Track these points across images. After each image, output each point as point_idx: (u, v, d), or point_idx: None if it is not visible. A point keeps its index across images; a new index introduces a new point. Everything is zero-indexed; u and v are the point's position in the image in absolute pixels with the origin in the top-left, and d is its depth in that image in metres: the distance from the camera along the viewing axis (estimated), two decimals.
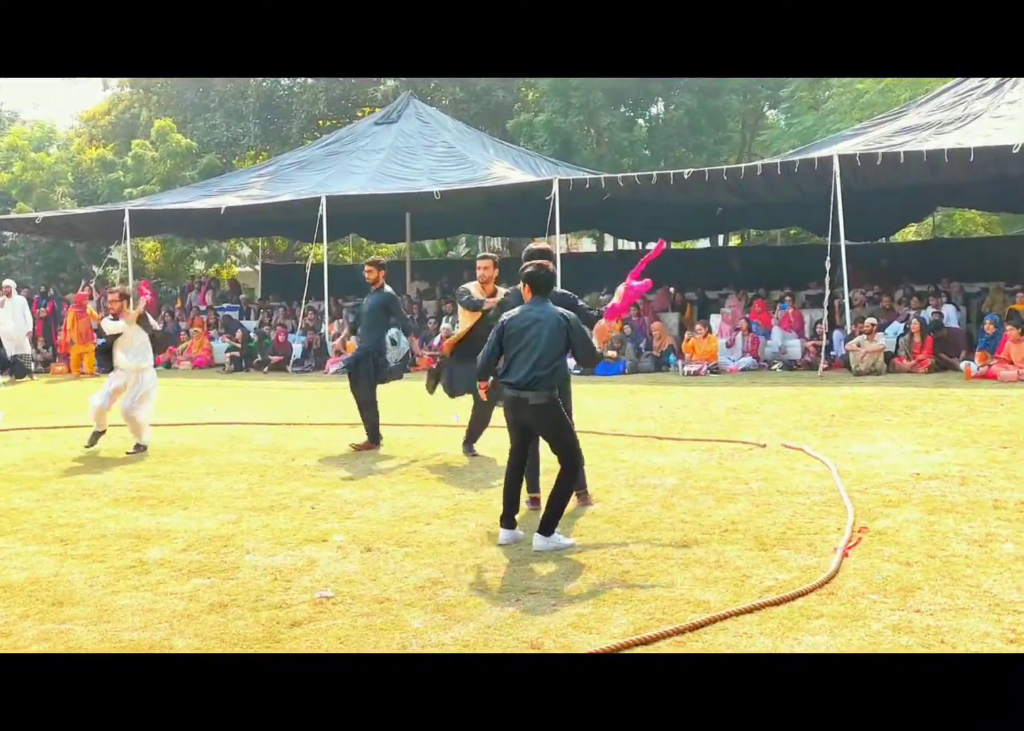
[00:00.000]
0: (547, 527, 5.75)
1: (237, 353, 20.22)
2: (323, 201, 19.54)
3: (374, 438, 9.44)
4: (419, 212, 23.21)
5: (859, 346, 15.47)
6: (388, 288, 9.78)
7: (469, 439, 8.93)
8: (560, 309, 5.86)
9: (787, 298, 18.95)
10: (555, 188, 18.02)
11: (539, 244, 6.93)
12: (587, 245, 45.11)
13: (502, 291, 7.76)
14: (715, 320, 19.08)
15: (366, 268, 9.73)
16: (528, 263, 5.97)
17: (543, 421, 5.81)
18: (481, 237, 38.38)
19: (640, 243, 32.44)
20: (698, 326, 17.30)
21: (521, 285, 5.97)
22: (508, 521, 5.93)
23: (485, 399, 6.84)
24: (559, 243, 20.15)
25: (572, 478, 5.85)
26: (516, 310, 5.93)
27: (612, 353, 17.15)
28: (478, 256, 8.71)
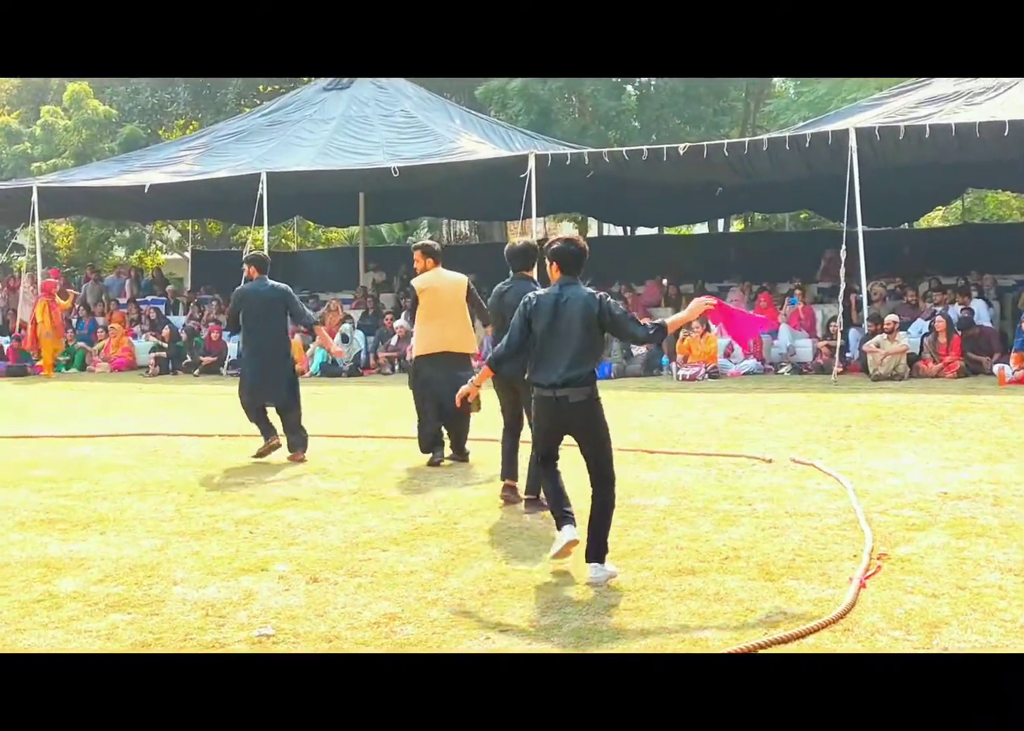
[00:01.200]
0: (600, 555, 5.68)
1: (163, 353, 20.13)
2: (263, 178, 19.50)
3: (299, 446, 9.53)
4: (374, 191, 23.24)
5: (878, 347, 15.60)
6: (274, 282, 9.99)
7: (458, 445, 9.12)
8: (590, 290, 5.80)
9: (797, 292, 19.11)
10: (531, 164, 18.06)
11: (523, 239, 7.09)
12: (568, 231, 45.25)
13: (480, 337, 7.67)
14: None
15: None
16: (555, 239, 5.94)
17: (588, 422, 5.73)
18: (446, 221, 38.45)
19: (628, 228, 32.64)
20: (694, 324, 17.32)
21: (548, 264, 5.92)
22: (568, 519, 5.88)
23: (460, 406, 6.82)
24: (535, 228, 20.17)
25: (612, 491, 5.78)
26: (543, 292, 5.87)
27: None
28: (413, 245, 8.73)
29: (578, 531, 5.92)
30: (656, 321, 5.97)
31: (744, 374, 16.87)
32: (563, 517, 5.92)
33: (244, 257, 10.38)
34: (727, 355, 17.39)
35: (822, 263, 22.08)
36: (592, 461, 5.76)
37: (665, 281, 22.38)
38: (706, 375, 16.43)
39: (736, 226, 38.86)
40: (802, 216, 34.84)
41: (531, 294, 5.92)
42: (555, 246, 5.89)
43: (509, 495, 7.54)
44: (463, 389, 6.28)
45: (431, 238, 28.09)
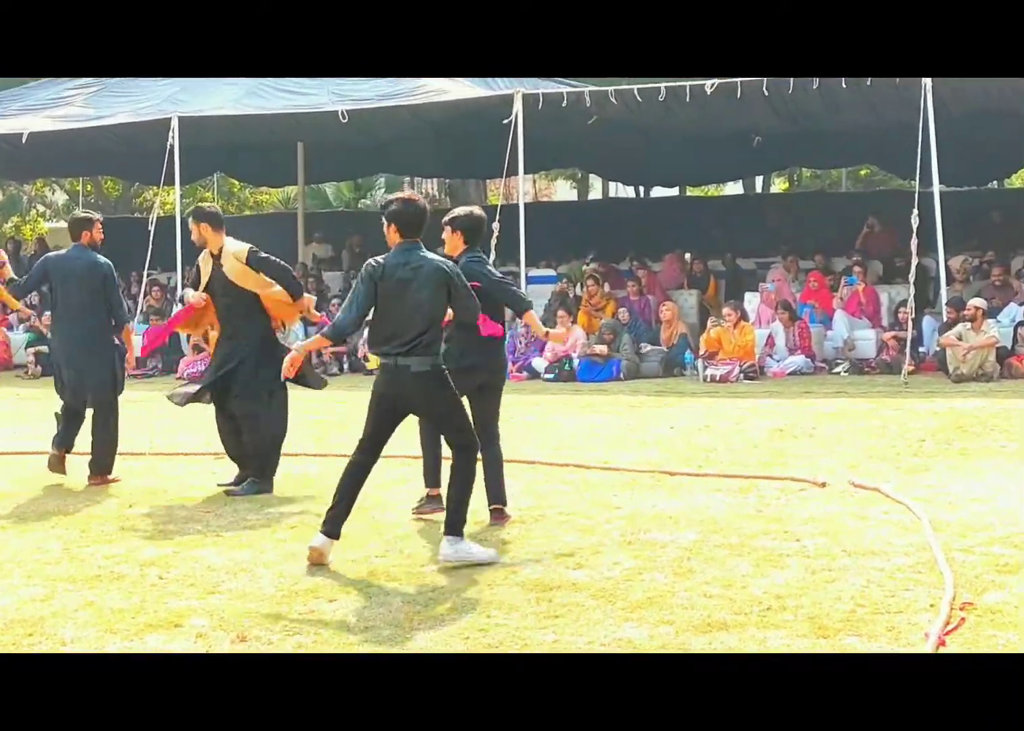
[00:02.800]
0: (454, 528, 6.91)
1: (45, 348, 20.05)
2: (174, 125, 19.47)
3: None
4: (318, 142, 23.22)
5: (960, 339, 15.67)
6: (100, 256, 10.12)
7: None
8: (438, 257, 7.06)
9: (856, 269, 19.19)
10: (517, 106, 18.07)
11: (469, 209, 7.90)
12: (565, 191, 45.37)
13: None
14: (751, 301, 19.27)
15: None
16: (392, 198, 7.12)
17: (431, 394, 6.94)
18: (408, 179, 38.46)
19: (641, 188, 32.76)
20: (726, 310, 17.48)
21: (385, 226, 7.00)
22: (332, 525, 7.09)
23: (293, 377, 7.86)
24: (522, 188, 20.21)
25: (471, 465, 7.02)
26: (385, 258, 6.96)
27: (601, 348, 17.28)
28: None
29: (328, 542, 7.05)
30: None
31: (789, 374, 16.97)
32: (327, 521, 7.12)
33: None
34: (769, 351, 17.48)
35: (863, 231, 22.23)
36: (446, 433, 7.08)
37: (688, 256, 22.49)
38: (741, 375, 16.51)
39: (779, 186, 39.01)
40: (862, 173, 35.02)
41: (377, 260, 6.96)
42: (393, 207, 6.98)
43: (496, 520, 8.04)
44: (290, 355, 7.27)
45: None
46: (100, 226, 10.26)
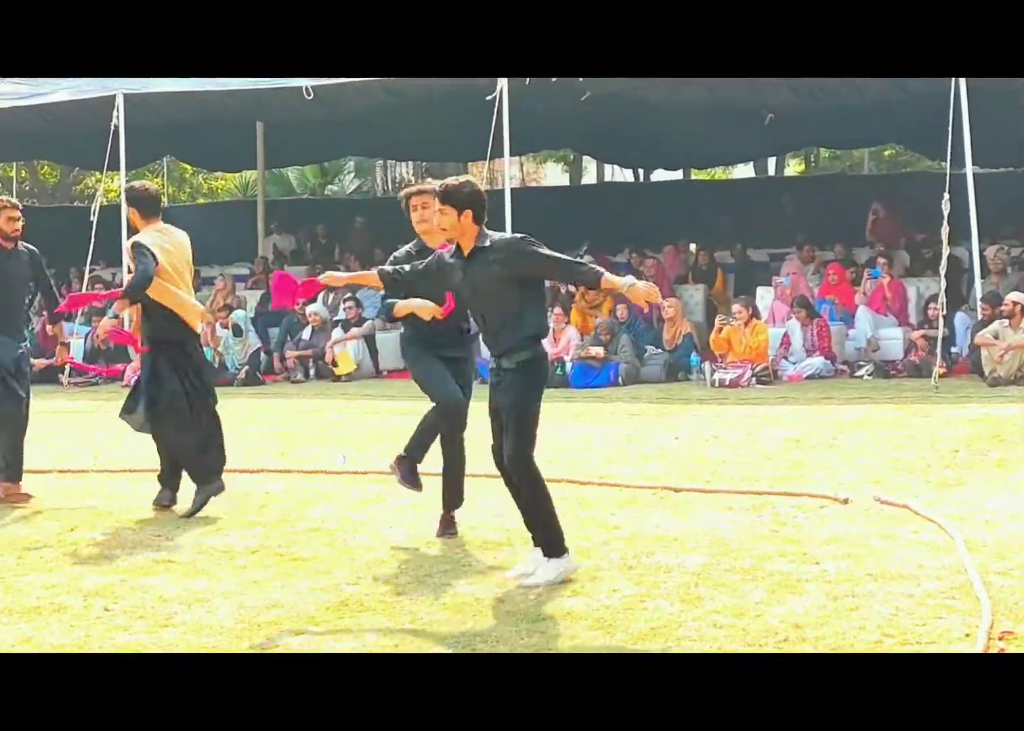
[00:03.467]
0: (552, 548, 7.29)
1: None
2: (119, 102, 19.45)
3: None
4: (279, 121, 23.19)
5: (996, 338, 15.70)
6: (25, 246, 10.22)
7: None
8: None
9: (880, 261, 19.23)
10: (502, 82, 18.06)
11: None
12: (555, 175, 45.36)
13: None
14: (764, 297, 19.31)
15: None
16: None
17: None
18: (381, 162, 38.55)
19: (641, 173, 32.80)
20: (736, 307, 17.54)
21: (455, 215, 7.13)
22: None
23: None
24: (508, 171, 20.21)
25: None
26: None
27: (597, 350, 17.32)
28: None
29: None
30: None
31: (807, 378, 17.03)
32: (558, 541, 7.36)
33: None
34: (783, 352, 17.50)
35: (869, 219, 22.32)
36: None
37: (693, 246, 22.53)
38: (753, 379, 16.58)
39: (794, 168, 39.07)
40: (887, 153, 35.03)
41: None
42: (467, 191, 7.15)
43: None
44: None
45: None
46: (14, 214, 10.10)
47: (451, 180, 7.34)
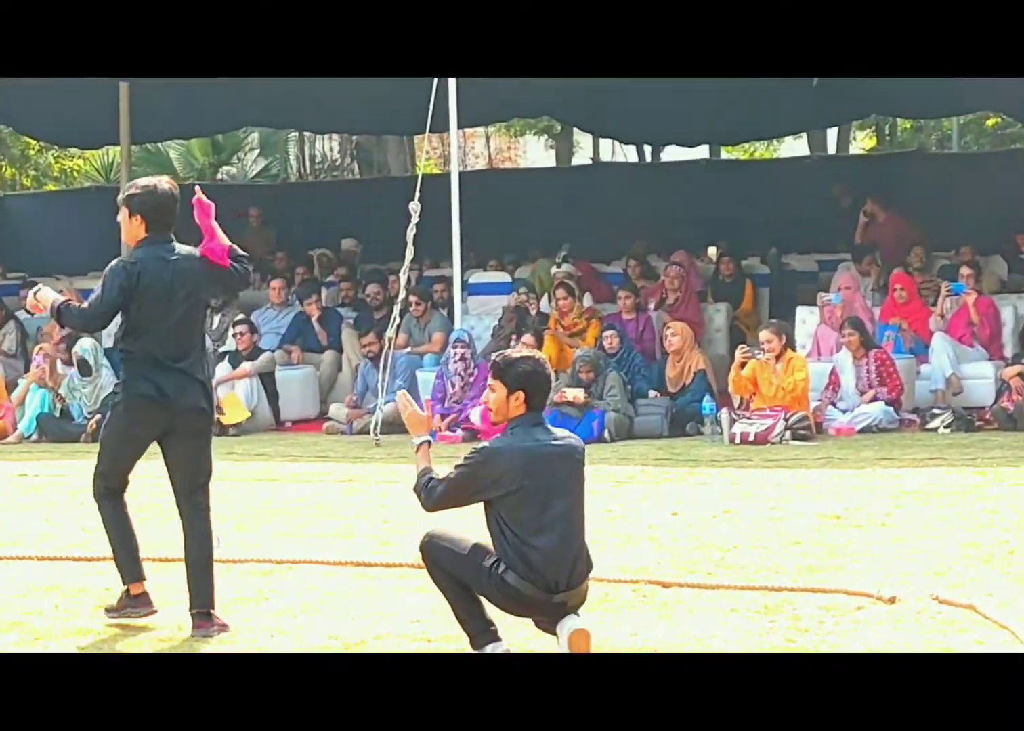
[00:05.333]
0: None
1: None
2: None
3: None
4: (152, 81, 23.06)
5: None
6: None
7: None
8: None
9: (965, 271, 19.19)
10: None
11: None
12: (538, 151, 45.53)
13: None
14: (807, 320, 19.30)
15: None
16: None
17: None
18: (295, 136, 38.52)
19: (648, 150, 32.86)
20: (765, 334, 17.43)
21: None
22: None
23: None
24: (456, 148, 20.21)
25: None
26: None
27: (576, 393, 17.25)
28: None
29: None
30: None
31: (860, 431, 17.03)
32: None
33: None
34: (830, 396, 17.45)
35: (860, 221, 22.40)
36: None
37: (713, 250, 22.51)
38: (787, 433, 16.54)
39: (862, 143, 39.08)
40: (989, 123, 34.94)
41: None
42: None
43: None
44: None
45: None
46: None
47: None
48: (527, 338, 18.08)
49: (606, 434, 17.14)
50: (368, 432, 17.68)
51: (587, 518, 11.97)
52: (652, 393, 18.08)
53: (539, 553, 7.58)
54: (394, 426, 17.24)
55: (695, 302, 20.38)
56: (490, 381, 7.93)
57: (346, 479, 15.08)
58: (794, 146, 37.28)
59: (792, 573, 9.80)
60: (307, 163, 40.46)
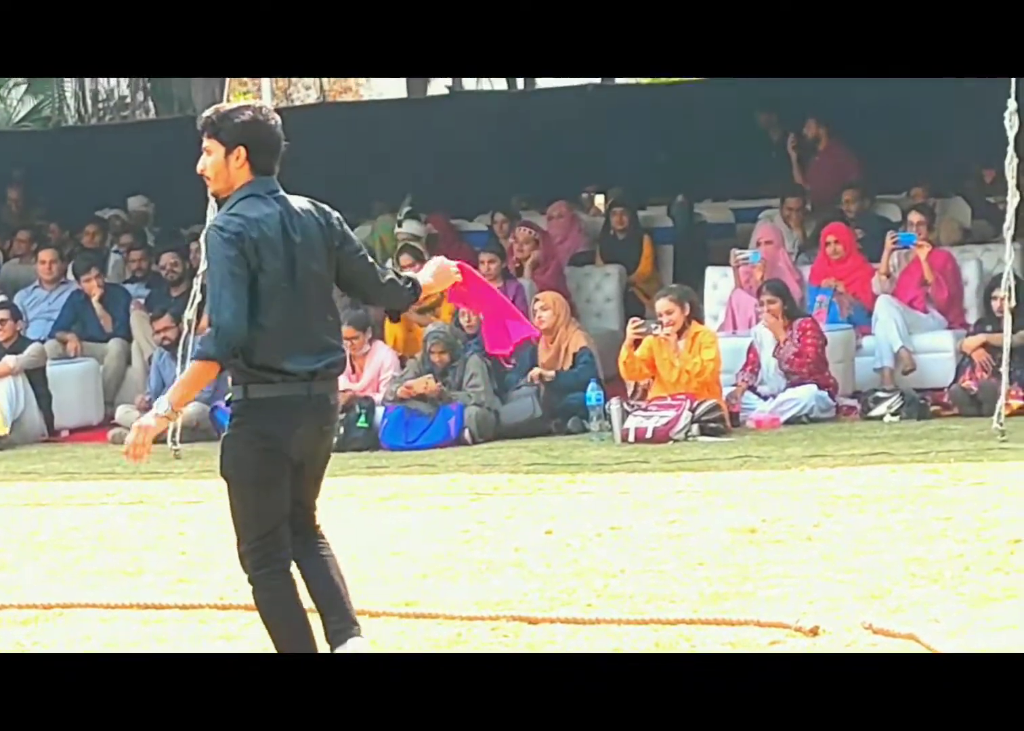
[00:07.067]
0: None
1: None
2: None
3: None
4: None
5: None
6: None
7: None
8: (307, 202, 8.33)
9: (915, 218, 19.35)
10: None
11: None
12: (383, 80, 45.52)
13: None
14: (718, 284, 19.38)
15: None
16: (228, 110, 8.29)
17: (331, 445, 8.64)
18: (70, 85, 38.32)
19: (520, 79, 32.81)
20: (665, 302, 17.50)
21: (227, 151, 8.12)
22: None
23: None
24: (269, 84, 20.26)
25: None
26: (245, 210, 8.06)
27: (426, 383, 17.23)
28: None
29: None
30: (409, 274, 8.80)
31: (787, 423, 17.19)
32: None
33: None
34: (748, 379, 17.63)
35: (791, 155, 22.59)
36: (312, 505, 8.46)
37: (600, 199, 22.54)
38: (694, 427, 16.64)
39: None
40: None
41: (232, 219, 8.01)
42: (240, 120, 8.16)
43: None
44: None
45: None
46: None
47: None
48: (356, 313, 17.93)
49: (466, 434, 17.28)
50: (165, 441, 17.34)
51: (437, 541, 12.23)
52: (522, 382, 18.20)
53: None
54: (198, 432, 17.32)
55: (557, 268, 20.61)
56: (204, 143, 8.12)
57: (136, 501, 15.00)
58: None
59: (692, 602, 9.80)
60: (88, 102, 40.14)
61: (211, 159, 8.11)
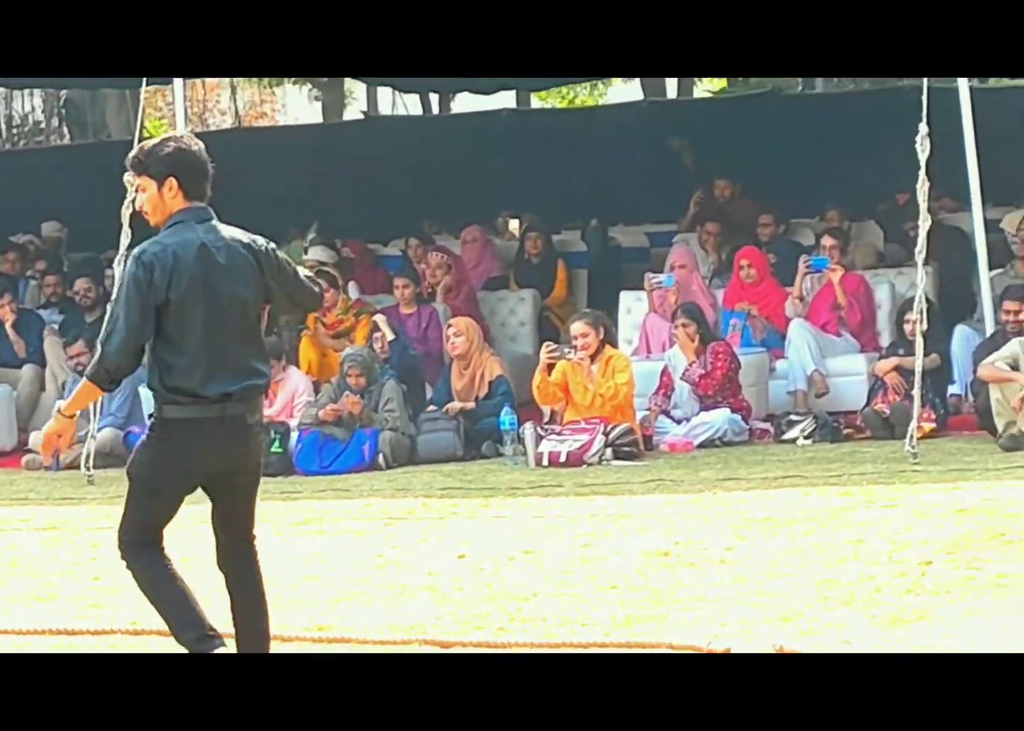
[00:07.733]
0: None
1: None
2: None
3: None
4: None
5: (1016, 368, 15.97)
6: None
7: None
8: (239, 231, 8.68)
9: (828, 242, 19.42)
10: None
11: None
12: (301, 106, 45.52)
13: None
14: (632, 308, 19.42)
15: None
16: (155, 144, 8.64)
17: (258, 460, 8.92)
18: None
19: (435, 100, 32.77)
20: (579, 325, 17.60)
21: (158, 183, 8.49)
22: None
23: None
24: (182, 103, 20.19)
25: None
26: (166, 237, 8.49)
27: (341, 407, 17.22)
28: None
29: None
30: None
31: (699, 446, 17.25)
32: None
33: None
34: (661, 403, 17.59)
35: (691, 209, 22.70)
36: (248, 524, 8.85)
37: (515, 224, 22.56)
38: (608, 451, 16.66)
39: (711, 84, 39.48)
40: None
41: (149, 249, 8.41)
42: (165, 152, 8.58)
43: None
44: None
45: None
46: None
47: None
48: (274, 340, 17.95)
49: (380, 459, 17.28)
50: (78, 467, 17.48)
51: (350, 565, 12.23)
52: (435, 408, 18.27)
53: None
54: (111, 458, 17.28)
55: (470, 293, 20.57)
56: (137, 182, 8.59)
57: (49, 526, 15.01)
58: (625, 91, 37.37)
59: (605, 625, 9.84)
60: (3, 126, 40.14)
61: (146, 195, 8.45)
